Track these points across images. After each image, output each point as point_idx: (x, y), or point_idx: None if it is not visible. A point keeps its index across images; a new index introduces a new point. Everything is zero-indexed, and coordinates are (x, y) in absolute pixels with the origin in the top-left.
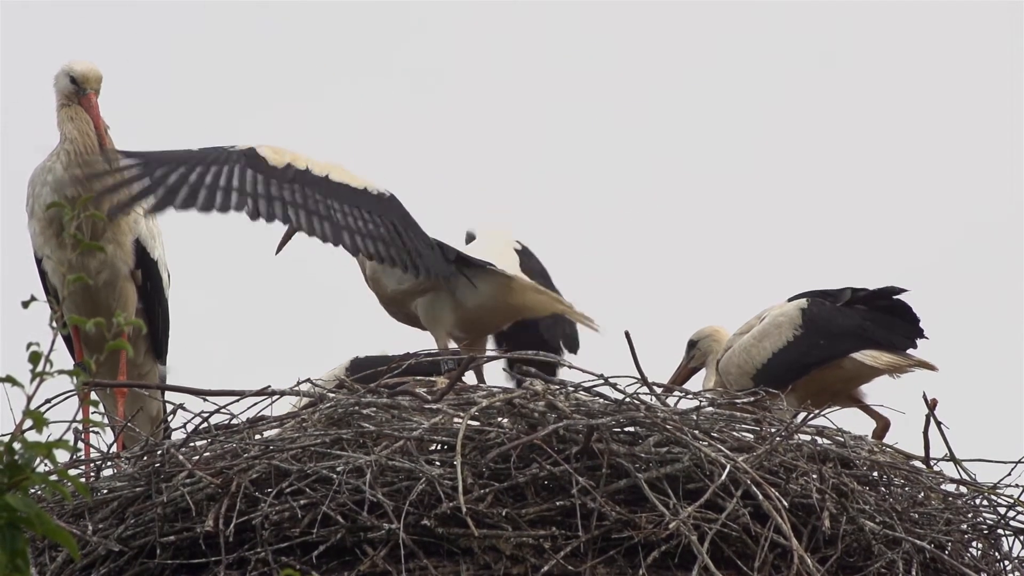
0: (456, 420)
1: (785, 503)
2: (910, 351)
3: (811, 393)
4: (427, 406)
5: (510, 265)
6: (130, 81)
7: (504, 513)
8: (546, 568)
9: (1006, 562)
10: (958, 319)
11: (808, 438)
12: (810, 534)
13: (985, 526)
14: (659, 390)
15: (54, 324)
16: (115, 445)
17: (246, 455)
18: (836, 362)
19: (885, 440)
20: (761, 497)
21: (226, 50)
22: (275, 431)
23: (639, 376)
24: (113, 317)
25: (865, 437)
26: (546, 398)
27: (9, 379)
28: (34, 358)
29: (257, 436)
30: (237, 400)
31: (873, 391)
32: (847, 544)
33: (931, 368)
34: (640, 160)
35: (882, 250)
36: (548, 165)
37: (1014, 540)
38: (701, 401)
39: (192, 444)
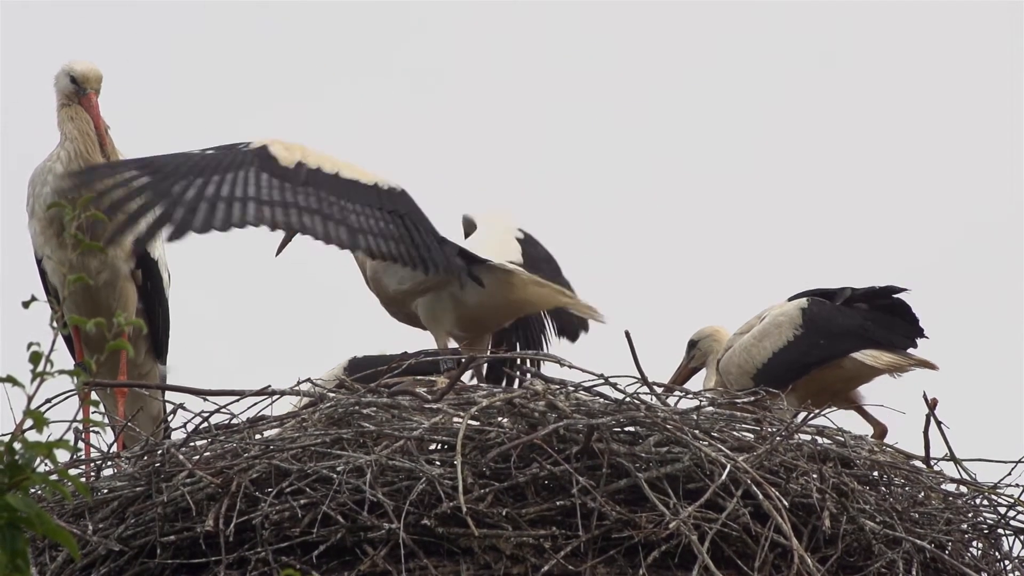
0: (456, 420)
1: (785, 503)
2: (910, 351)
3: (811, 393)
4: (427, 406)
5: (512, 255)
6: (130, 81)
7: (504, 513)
8: (546, 568)
9: (1006, 562)
10: (958, 319)
11: (808, 438)
12: (810, 534)
13: (985, 526)
14: (659, 390)
15: (54, 324)
16: (115, 445)
17: (246, 455)
18: (836, 362)
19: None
20: (761, 497)
21: (226, 50)
22: (275, 431)
23: (639, 376)
24: (113, 317)
25: (865, 437)
26: (546, 398)
27: (10, 379)
28: (34, 358)
29: (257, 436)
30: (237, 400)
31: (873, 391)
32: (847, 544)
33: (931, 367)
34: (640, 160)
35: (882, 250)
36: (548, 165)
37: (1014, 540)
38: (701, 401)
39: (192, 444)
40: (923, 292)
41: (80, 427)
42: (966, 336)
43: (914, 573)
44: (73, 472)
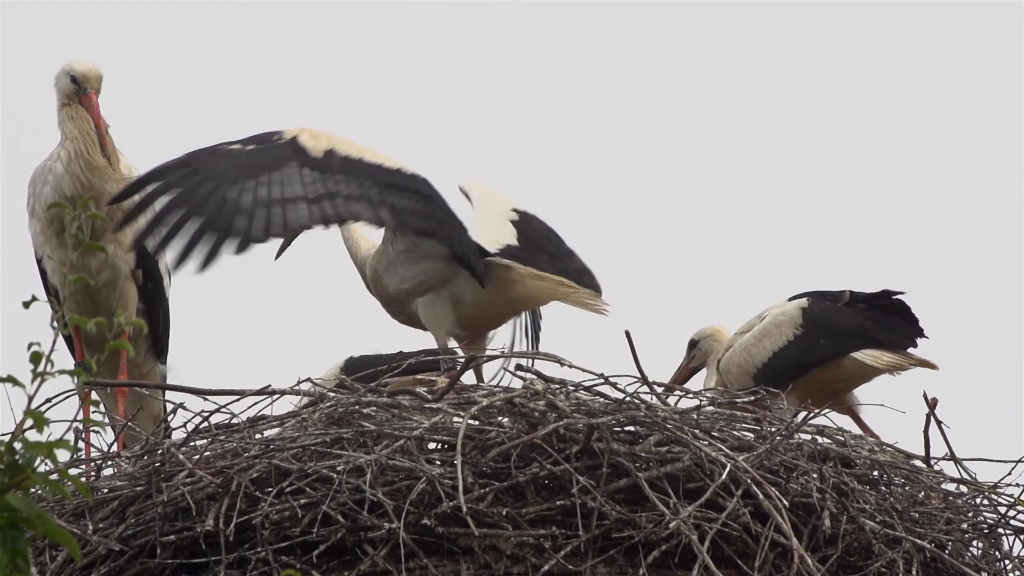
0: (456, 419)
1: (785, 502)
2: (910, 350)
3: (812, 392)
4: (427, 405)
5: (508, 240)
6: (131, 81)
7: (504, 512)
8: (546, 567)
9: (1006, 561)
10: (959, 318)
11: (808, 437)
12: (810, 533)
13: (985, 525)
14: (659, 389)
15: (55, 324)
16: (115, 445)
17: (246, 454)
18: (837, 361)
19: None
20: (761, 496)
21: (226, 49)
22: (275, 430)
23: (639, 375)
24: (114, 317)
25: (866, 436)
26: (546, 397)
27: (10, 379)
28: (35, 358)
29: (257, 435)
30: (237, 399)
31: (873, 392)
32: (847, 543)
33: (931, 367)
34: (640, 160)
35: (882, 249)
36: (547, 165)
37: (1014, 539)
38: (701, 400)
39: (192, 443)
40: (922, 291)
41: (80, 427)
42: (966, 335)
43: (914, 573)
44: (73, 472)
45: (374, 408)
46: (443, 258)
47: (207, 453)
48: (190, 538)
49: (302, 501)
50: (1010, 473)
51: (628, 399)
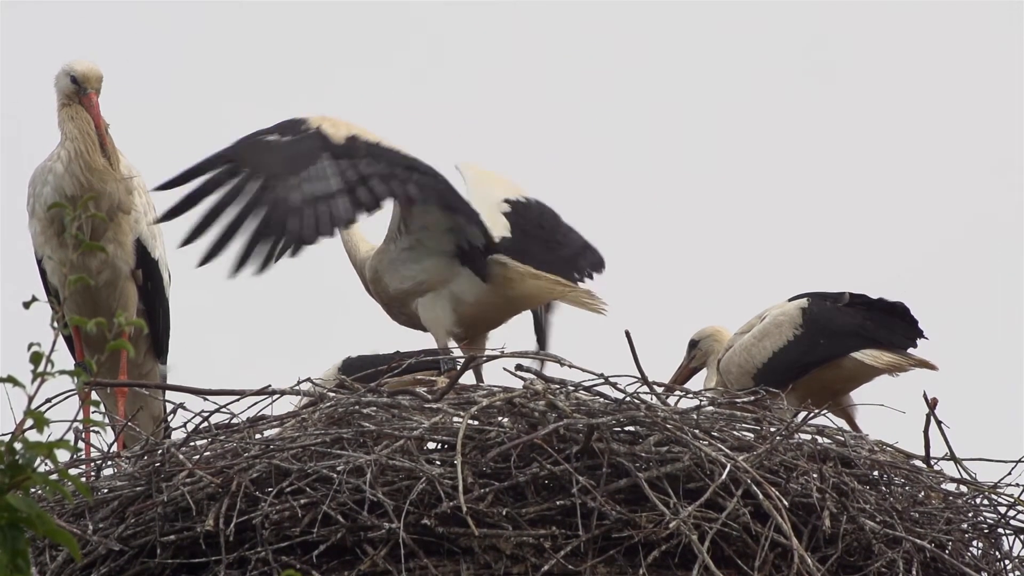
0: (456, 419)
1: (785, 502)
2: (910, 350)
3: (812, 392)
4: (427, 405)
5: (501, 232)
6: (131, 81)
7: (504, 512)
8: (546, 567)
9: (1006, 561)
10: (959, 318)
11: (808, 437)
12: (810, 533)
13: (985, 525)
14: (659, 389)
15: (55, 324)
16: (115, 444)
17: (246, 454)
18: (837, 361)
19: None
20: (761, 496)
21: (226, 49)
22: (275, 430)
23: (639, 375)
24: (114, 317)
25: (866, 436)
26: (546, 397)
27: (10, 379)
28: (35, 358)
29: (257, 435)
30: (237, 399)
31: (873, 392)
32: (847, 543)
33: (931, 367)
34: (640, 160)
35: (882, 249)
36: (547, 165)
37: (1014, 539)
38: (701, 400)
39: (192, 443)
40: (922, 291)
41: (80, 427)
42: (966, 335)
43: (914, 573)
44: (73, 472)
45: (374, 408)
46: (446, 255)
47: (207, 453)
48: (190, 538)
49: (302, 501)
50: (1010, 473)
51: (628, 399)
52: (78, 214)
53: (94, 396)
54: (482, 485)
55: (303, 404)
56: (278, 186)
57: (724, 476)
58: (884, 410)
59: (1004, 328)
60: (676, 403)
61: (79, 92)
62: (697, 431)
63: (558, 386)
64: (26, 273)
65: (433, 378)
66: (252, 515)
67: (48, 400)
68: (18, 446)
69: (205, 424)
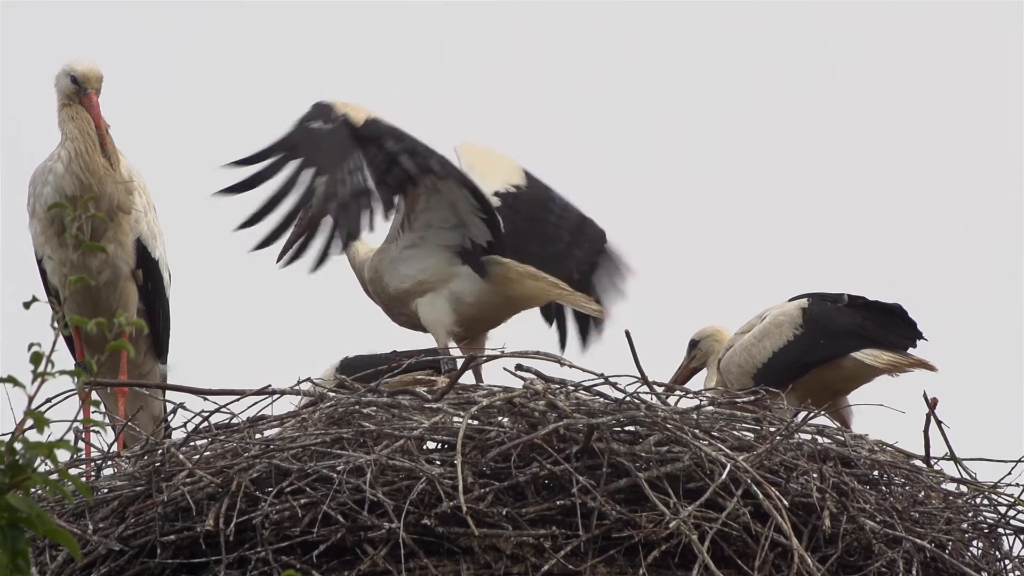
0: (456, 419)
1: (785, 502)
2: (910, 351)
3: (812, 392)
4: (427, 405)
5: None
6: (131, 81)
7: (504, 512)
8: (546, 567)
9: (1006, 561)
10: (958, 318)
11: (808, 437)
12: (810, 533)
13: (985, 525)
14: (659, 389)
15: (55, 324)
16: (115, 444)
17: (246, 454)
18: (836, 361)
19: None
20: (761, 496)
21: (226, 49)
22: (275, 430)
23: (639, 375)
24: (114, 317)
25: (866, 436)
26: (546, 397)
27: (10, 379)
28: (35, 358)
29: (257, 435)
30: (237, 399)
31: (872, 393)
32: (847, 543)
33: (930, 368)
34: (640, 160)
35: (882, 249)
36: (547, 165)
37: (1014, 539)
38: (701, 400)
39: (192, 443)
40: (922, 291)
41: (80, 427)
42: (966, 335)
43: (914, 573)
44: (73, 472)
45: (374, 408)
46: (447, 254)
47: (207, 453)
48: (190, 538)
49: (302, 501)
50: (1010, 473)
51: (628, 399)
52: (78, 214)
53: (94, 396)
54: (482, 485)
55: (303, 404)
56: (331, 179)
57: (724, 476)
58: (884, 410)
59: (1004, 328)
60: (676, 403)
61: (79, 92)
62: (697, 431)
63: (558, 386)
64: (26, 273)
65: (433, 378)
66: (252, 515)
67: (48, 400)
68: (18, 446)
69: (205, 424)
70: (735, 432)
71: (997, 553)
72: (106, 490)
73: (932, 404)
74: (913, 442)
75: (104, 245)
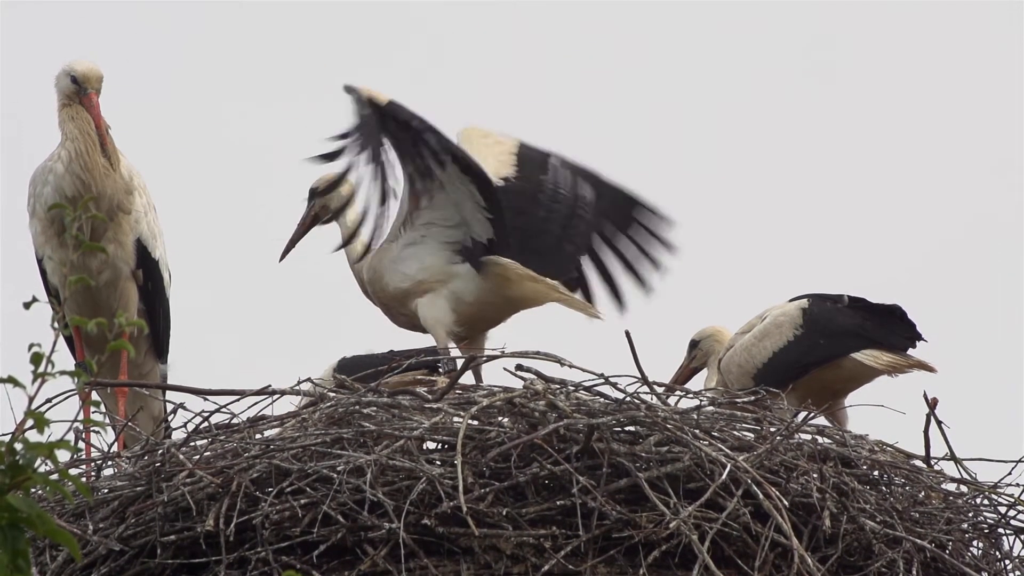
0: (456, 419)
1: (786, 502)
2: (909, 351)
3: (812, 392)
4: (427, 405)
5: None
6: (131, 81)
7: (504, 512)
8: (547, 567)
9: (1007, 561)
10: (958, 319)
11: (809, 437)
12: (811, 533)
13: (986, 525)
14: (660, 389)
15: (55, 325)
16: (116, 445)
17: (247, 454)
18: (836, 362)
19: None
20: (761, 496)
21: (226, 49)
22: (275, 430)
23: (640, 375)
24: (115, 317)
25: (866, 436)
26: (547, 397)
27: (11, 379)
28: (36, 359)
29: (258, 435)
30: (238, 399)
31: (872, 393)
32: (848, 543)
33: (930, 370)
34: (640, 160)
35: (882, 249)
36: None
37: (1015, 539)
38: (701, 400)
39: (193, 443)
40: (922, 291)
41: (81, 427)
42: (966, 336)
43: (914, 573)
44: (73, 472)
45: (374, 408)
46: (447, 254)
47: (207, 453)
48: (190, 538)
49: (302, 501)
50: (1010, 473)
51: (628, 399)
52: (78, 214)
53: (94, 396)
54: (482, 485)
55: (303, 404)
56: (383, 168)
57: (724, 476)
58: (884, 410)
59: (1004, 328)
60: (676, 403)
61: (79, 92)
62: (697, 431)
63: (558, 386)
64: (26, 273)
65: (432, 378)
66: (252, 515)
67: (48, 400)
68: (18, 446)
69: (205, 424)
70: (735, 432)
71: (997, 553)
72: (106, 490)
73: (932, 404)
74: (913, 442)
75: (104, 245)
